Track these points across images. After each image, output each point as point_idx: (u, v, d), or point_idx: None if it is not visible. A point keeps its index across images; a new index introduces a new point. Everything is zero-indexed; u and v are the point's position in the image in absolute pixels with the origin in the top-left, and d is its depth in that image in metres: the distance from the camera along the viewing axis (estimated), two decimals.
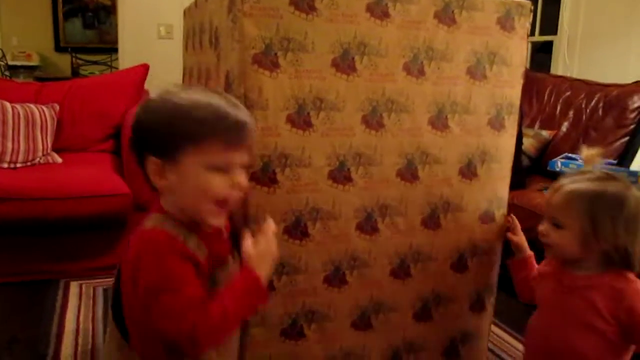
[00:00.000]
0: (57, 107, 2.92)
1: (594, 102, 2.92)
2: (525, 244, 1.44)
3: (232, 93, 1.22)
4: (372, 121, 1.32)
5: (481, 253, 1.52)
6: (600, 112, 2.87)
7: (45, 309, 2.18)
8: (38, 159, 2.72)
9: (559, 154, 2.67)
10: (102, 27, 7.63)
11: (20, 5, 7.23)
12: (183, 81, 1.92)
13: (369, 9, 1.27)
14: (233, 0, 1.20)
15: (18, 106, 2.74)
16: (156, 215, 0.99)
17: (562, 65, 3.94)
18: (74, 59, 7.01)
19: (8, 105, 2.71)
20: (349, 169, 1.32)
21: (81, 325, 2.07)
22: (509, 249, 1.48)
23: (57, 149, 2.85)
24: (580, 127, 2.90)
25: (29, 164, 2.68)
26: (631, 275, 1.20)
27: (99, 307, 2.22)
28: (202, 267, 0.95)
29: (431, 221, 1.44)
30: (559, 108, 3.07)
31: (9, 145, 2.64)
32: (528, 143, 2.87)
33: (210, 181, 0.94)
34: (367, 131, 1.32)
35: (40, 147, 2.74)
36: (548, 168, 2.36)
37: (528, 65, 3.90)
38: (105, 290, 2.37)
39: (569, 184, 1.22)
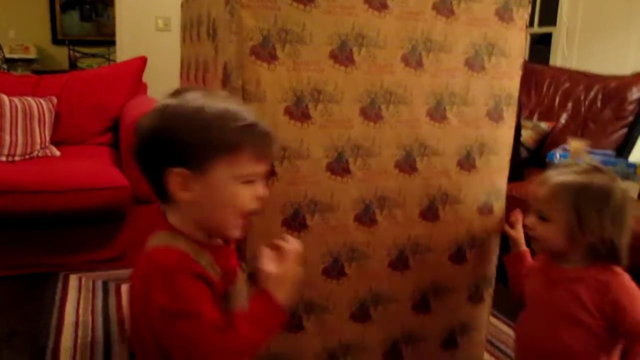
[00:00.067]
0: (55, 100, 2.91)
1: (592, 93, 2.92)
2: (522, 239, 1.44)
3: (229, 85, 1.22)
4: (371, 113, 1.32)
5: (479, 244, 1.53)
6: (599, 103, 2.87)
7: (45, 302, 2.19)
8: (36, 152, 2.72)
9: (557, 145, 2.68)
10: (99, 20, 7.59)
11: None
12: (181, 73, 1.92)
13: (367, 0, 1.27)
14: None
15: (16, 99, 2.73)
16: (163, 233, 0.94)
17: (561, 56, 3.93)
18: (71, 52, 6.98)
19: (6, 98, 2.70)
20: (347, 161, 1.32)
21: (81, 318, 2.07)
22: (508, 243, 1.48)
23: (55, 141, 2.85)
24: (579, 119, 2.90)
25: (27, 157, 2.68)
26: (617, 269, 1.19)
27: (98, 300, 2.22)
28: (216, 286, 0.91)
29: (430, 213, 1.44)
30: (557, 100, 3.07)
31: (7, 138, 2.64)
32: (526, 135, 2.87)
33: (239, 193, 0.91)
34: (365, 123, 1.32)
35: (38, 140, 2.73)
36: (547, 160, 2.36)
37: (527, 57, 3.90)
38: (104, 283, 2.37)
39: (555, 176, 1.21)
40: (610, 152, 2.64)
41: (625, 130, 2.71)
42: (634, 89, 2.76)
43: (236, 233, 0.95)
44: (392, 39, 1.31)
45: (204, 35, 1.50)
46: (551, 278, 1.25)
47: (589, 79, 2.99)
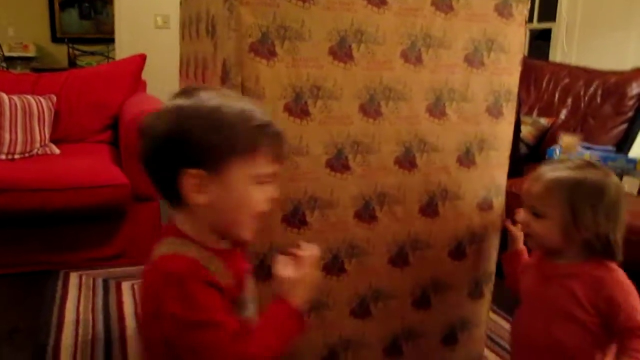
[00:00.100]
0: (55, 98, 2.91)
1: (592, 89, 2.92)
2: (521, 238, 1.42)
3: (229, 82, 1.22)
4: (370, 109, 1.32)
5: (479, 240, 1.53)
6: (598, 99, 2.87)
7: (45, 299, 2.19)
8: (36, 150, 2.72)
9: (557, 142, 2.68)
10: (98, 18, 7.58)
11: None
12: (180, 71, 1.92)
13: None
14: None
15: (15, 97, 2.73)
16: (172, 239, 0.90)
17: (561, 52, 3.93)
18: (70, 50, 6.98)
19: (5, 96, 2.70)
20: (346, 157, 1.32)
21: (81, 316, 2.08)
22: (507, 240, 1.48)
23: (54, 139, 2.85)
24: (579, 115, 2.90)
25: (26, 155, 2.68)
26: (612, 265, 1.18)
27: (98, 298, 2.23)
28: (227, 292, 0.88)
29: (429, 209, 1.44)
30: (557, 95, 3.07)
31: (7, 136, 2.64)
32: (526, 131, 2.87)
33: (254, 194, 0.89)
34: (364, 119, 1.32)
35: (38, 138, 2.73)
36: (546, 156, 2.36)
37: (526, 53, 3.89)
38: (105, 281, 2.37)
39: (548, 172, 1.20)
40: (610, 147, 2.65)
41: (625, 125, 2.71)
42: (634, 84, 2.76)
43: (249, 235, 0.93)
44: (391, 35, 1.31)
45: (203, 32, 1.49)
46: (545, 274, 1.25)
47: (589, 75, 2.99)
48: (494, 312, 1.99)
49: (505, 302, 2.01)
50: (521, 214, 1.28)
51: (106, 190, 2.42)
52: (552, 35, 4.05)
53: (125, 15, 4.14)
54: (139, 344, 0.98)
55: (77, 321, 2.04)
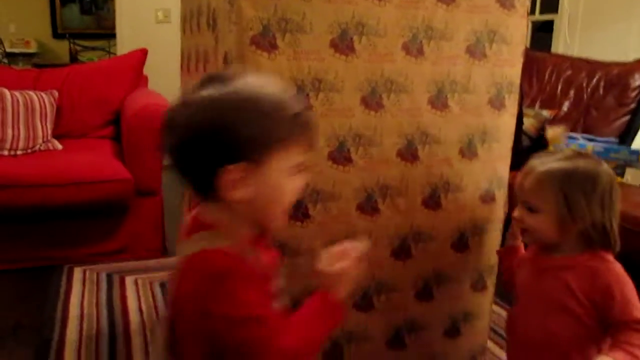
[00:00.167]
0: (56, 94, 2.91)
1: (595, 81, 2.91)
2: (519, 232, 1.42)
3: None
4: (372, 102, 1.32)
5: (482, 232, 1.53)
6: (601, 91, 2.87)
7: (49, 295, 2.20)
8: (38, 145, 2.72)
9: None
10: (99, 13, 7.57)
11: None
12: (181, 65, 1.91)
13: None
14: None
15: (17, 93, 2.73)
16: (205, 234, 0.86)
17: (563, 44, 3.91)
18: (72, 45, 6.98)
19: (7, 92, 2.70)
20: (348, 150, 1.32)
21: (85, 311, 2.09)
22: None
23: (57, 135, 2.85)
24: (581, 107, 2.90)
25: (29, 151, 2.69)
26: (608, 256, 1.16)
27: (102, 293, 2.23)
28: (267, 282, 0.87)
29: (432, 201, 1.44)
30: (559, 87, 3.06)
31: (9, 132, 2.64)
32: (528, 123, 2.86)
33: (290, 185, 0.87)
34: (366, 112, 1.32)
35: (40, 134, 2.74)
36: (550, 148, 2.36)
37: (529, 45, 3.88)
38: (108, 276, 2.38)
39: (539, 165, 1.19)
40: (612, 139, 2.64)
41: (627, 117, 2.70)
42: (637, 76, 2.75)
43: (281, 225, 0.91)
44: (393, 27, 1.31)
45: (204, 25, 1.49)
46: (540, 267, 1.23)
47: (591, 66, 2.99)
48: (497, 304, 1.99)
49: (508, 294, 2.01)
50: (515, 210, 1.26)
51: (109, 185, 2.42)
52: (555, 27, 4.04)
53: (126, 10, 4.14)
54: (159, 342, 0.94)
55: (81, 316, 2.05)
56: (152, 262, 2.53)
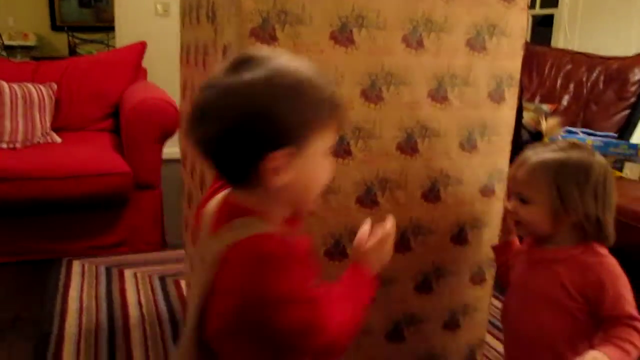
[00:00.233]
0: (55, 87, 2.91)
1: (594, 75, 2.91)
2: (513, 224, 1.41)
3: None
4: (371, 94, 1.32)
5: (481, 226, 1.53)
6: (601, 85, 2.86)
7: (48, 288, 2.20)
8: (37, 138, 2.72)
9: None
10: (98, 6, 7.54)
11: None
12: (180, 58, 1.91)
13: None
14: None
15: (15, 86, 2.73)
16: (245, 220, 0.83)
17: (563, 38, 3.91)
18: (70, 38, 6.95)
19: (5, 85, 2.70)
20: (348, 143, 1.32)
21: (84, 304, 2.09)
22: None
23: (56, 128, 2.85)
24: (581, 101, 2.90)
25: (28, 143, 2.68)
26: (602, 250, 1.15)
27: (101, 286, 2.24)
28: (312, 264, 0.86)
29: (431, 194, 1.44)
30: (559, 82, 3.06)
31: (8, 125, 2.64)
32: (528, 117, 2.86)
33: (326, 167, 0.87)
34: (366, 104, 1.32)
35: (39, 126, 2.73)
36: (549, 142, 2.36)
37: (529, 39, 3.87)
38: (107, 269, 2.38)
39: (532, 156, 1.18)
40: (612, 133, 2.64)
41: (627, 111, 2.70)
42: (636, 70, 2.75)
43: (314, 206, 0.91)
44: (393, 20, 1.30)
45: (204, 18, 1.49)
46: (533, 259, 1.23)
47: (591, 61, 2.98)
48: (496, 297, 2.00)
49: (504, 289, 2.01)
50: (509, 203, 1.25)
51: (108, 178, 2.42)
52: (555, 21, 4.03)
53: (125, 3, 4.12)
54: (184, 339, 0.90)
55: (80, 309, 2.05)
56: (151, 256, 2.54)
